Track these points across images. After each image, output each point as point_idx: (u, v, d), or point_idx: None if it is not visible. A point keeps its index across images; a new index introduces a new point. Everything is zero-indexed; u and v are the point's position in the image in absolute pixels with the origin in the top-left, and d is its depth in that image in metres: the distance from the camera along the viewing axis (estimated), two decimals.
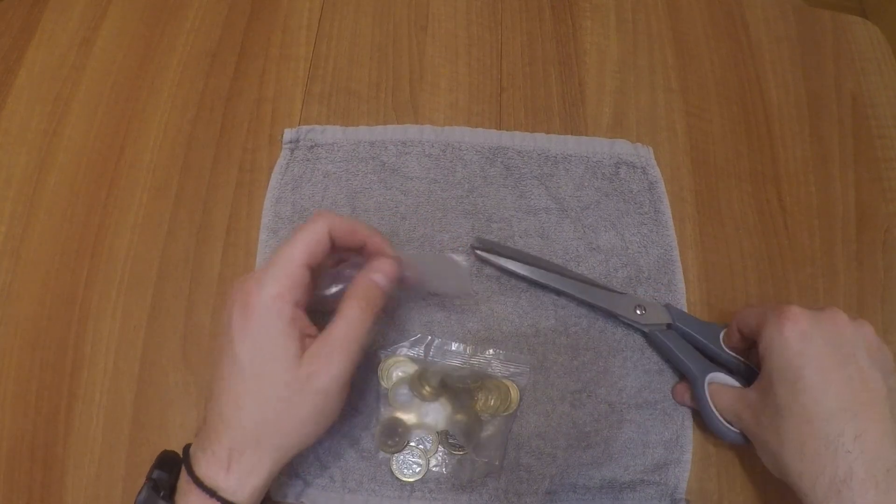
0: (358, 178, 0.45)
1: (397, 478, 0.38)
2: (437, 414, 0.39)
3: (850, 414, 0.30)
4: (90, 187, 0.46)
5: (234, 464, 0.30)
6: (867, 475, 0.29)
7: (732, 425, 0.37)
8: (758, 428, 0.34)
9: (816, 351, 0.32)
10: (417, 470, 0.38)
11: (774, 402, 0.33)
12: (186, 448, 0.33)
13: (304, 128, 0.47)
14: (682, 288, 0.43)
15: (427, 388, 0.39)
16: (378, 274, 0.34)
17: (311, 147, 0.46)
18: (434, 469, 0.38)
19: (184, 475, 0.31)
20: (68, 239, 0.44)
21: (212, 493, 0.30)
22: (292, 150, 0.46)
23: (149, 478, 0.32)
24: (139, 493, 0.31)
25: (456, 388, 0.39)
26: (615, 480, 0.38)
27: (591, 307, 0.42)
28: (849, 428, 0.30)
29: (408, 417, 0.39)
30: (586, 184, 0.46)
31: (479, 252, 0.42)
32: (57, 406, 0.40)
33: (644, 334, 0.41)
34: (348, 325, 0.32)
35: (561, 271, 0.42)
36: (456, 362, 0.40)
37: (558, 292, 0.42)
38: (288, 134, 0.46)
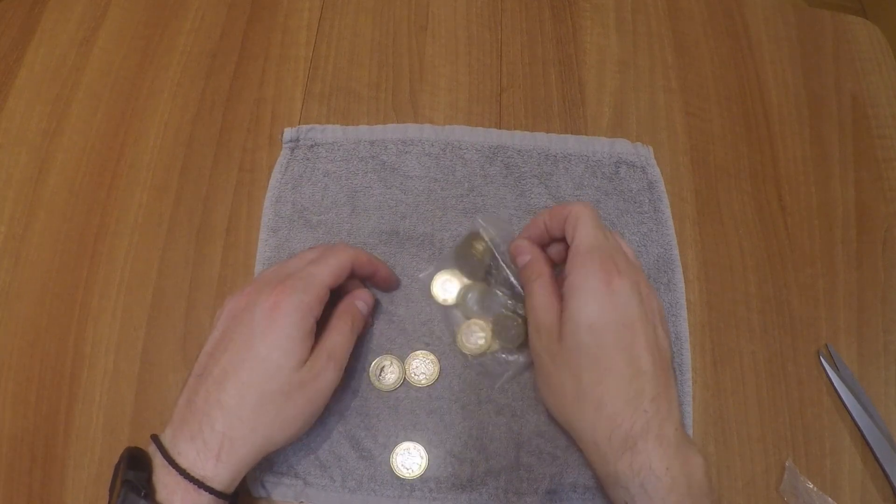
0: (358, 177, 0.45)
1: (397, 476, 0.38)
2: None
3: (649, 376, 0.32)
4: (90, 187, 0.46)
5: (225, 453, 0.31)
6: (661, 431, 0.31)
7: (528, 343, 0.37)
8: (553, 364, 0.34)
9: (626, 310, 0.33)
10: (416, 469, 0.38)
11: (578, 350, 0.33)
12: (156, 438, 0.32)
13: (304, 127, 0.47)
14: (682, 287, 0.43)
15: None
16: (360, 301, 0.39)
17: (312, 146, 0.46)
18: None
19: (160, 468, 0.30)
20: (68, 239, 0.44)
21: (200, 483, 0.30)
22: (292, 150, 0.46)
23: (124, 480, 0.30)
24: (118, 499, 0.29)
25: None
26: None
27: None
28: (648, 389, 0.32)
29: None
30: (586, 183, 0.46)
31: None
32: (57, 406, 0.40)
33: None
34: (342, 338, 0.36)
35: None
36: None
37: None
38: (288, 133, 0.46)
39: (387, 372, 0.40)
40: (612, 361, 0.32)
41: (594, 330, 0.33)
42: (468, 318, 0.41)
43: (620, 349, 0.32)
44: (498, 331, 0.40)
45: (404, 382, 0.40)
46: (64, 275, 0.43)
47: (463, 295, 0.42)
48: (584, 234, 0.35)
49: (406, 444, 0.39)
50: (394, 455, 0.38)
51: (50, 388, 0.40)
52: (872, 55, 0.54)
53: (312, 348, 0.35)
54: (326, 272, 0.36)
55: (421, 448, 0.38)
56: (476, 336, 0.41)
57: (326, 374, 0.34)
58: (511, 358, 0.40)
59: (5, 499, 0.38)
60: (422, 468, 0.38)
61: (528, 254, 0.38)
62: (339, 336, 0.36)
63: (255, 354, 0.32)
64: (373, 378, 0.40)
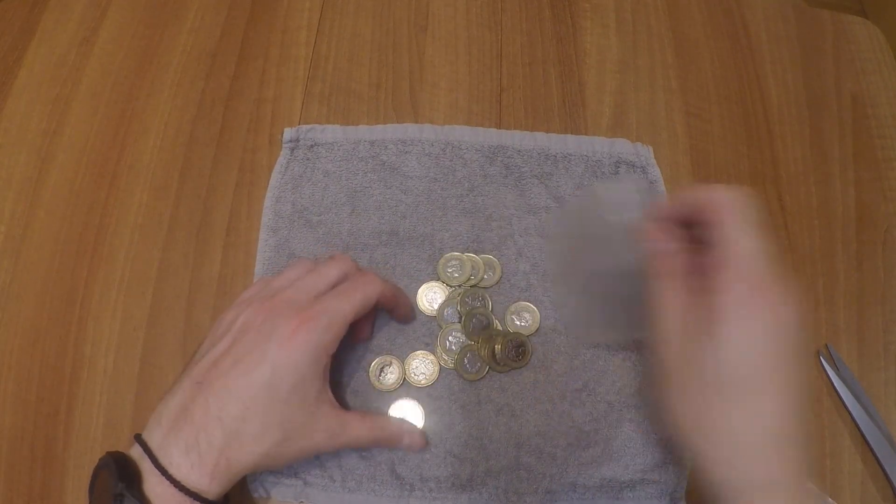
0: (358, 177, 0.45)
1: (410, 384, 0.40)
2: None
3: (795, 416, 0.28)
4: (90, 187, 0.46)
5: (221, 470, 0.30)
6: (798, 478, 0.28)
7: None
8: (675, 379, 0.30)
9: (794, 349, 0.29)
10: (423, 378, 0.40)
11: (718, 381, 0.29)
12: (144, 442, 0.30)
13: (304, 127, 0.47)
14: None
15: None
16: (408, 439, 0.37)
17: (311, 146, 0.46)
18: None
19: (151, 476, 0.29)
20: (68, 239, 0.44)
21: (196, 496, 0.29)
22: (292, 150, 0.46)
23: (115, 494, 0.28)
24: None
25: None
26: (615, 479, 0.38)
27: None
28: (795, 430, 0.28)
29: None
30: (586, 183, 0.46)
31: None
32: (57, 406, 0.40)
33: None
34: (361, 437, 0.36)
35: None
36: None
37: None
38: (288, 133, 0.46)
39: (387, 372, 0.40)
40: (760, 402, 0.28)
41: (749, 366, 0.28)
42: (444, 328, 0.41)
43: (774, 390, 0.28)
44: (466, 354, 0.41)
45: (404, 382, 0.40)
46: (64, 275, 0.43)
47: (441, 309, 0.42)
48: (743, 237, 0.29)
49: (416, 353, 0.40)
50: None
51: (50, 388, 0.40)
52: (872, 55, 0.54)
53: (328, 386, 0.34)
54: (350, 309, 0.35)
55: (428, 356, 0.40)
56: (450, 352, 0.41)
57: (324, 441, 0.34)
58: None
59: (5, 499, 0.38)
60: (430, 379, 0.40)
61: (661, 242, 0.32)
62: (362, 432, 0.35)
63: (262, 380, 0.31)
64: (373, 378, 0.40)
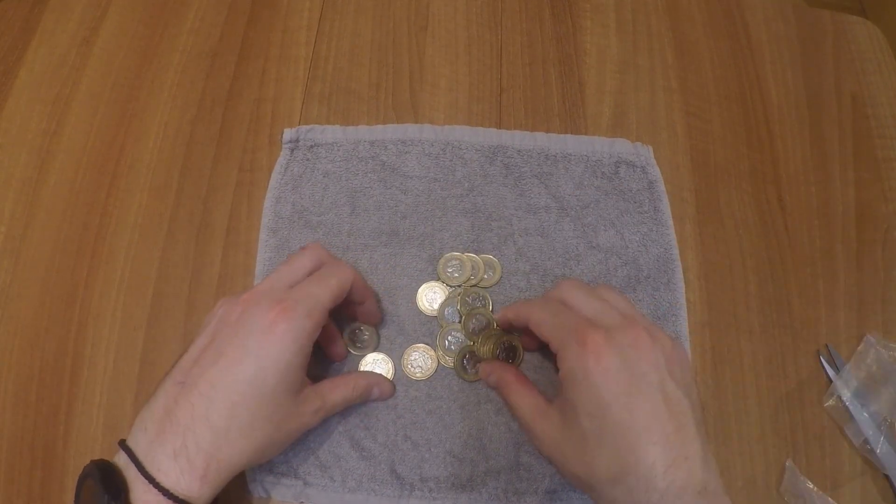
0: (358, 178, 0.45)
1: (407, 376, 0.40)
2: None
3: (659, 446, 0.29)
4: (90, 187, 0.46)
5: (212, 472, 0.30)
6: (678, 501, 0.28)
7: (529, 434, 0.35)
8: (561, 453, 0.32)
9: (621, 382, 0.30)
10: (420, 372, 0.40)
11: (581, 432, 0.31)
12: (130, 450, 0.30)
13: (304, 127, 0.47)
14: (682, 287, 0.43)
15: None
16: (377, 390, 0.39)
17: (311, 146, 0.46)
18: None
19: (138, 485, 0.29)
20: (68, 239, 0.44)
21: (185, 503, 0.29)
22: (292, 150, 0.46)
23: None
24: None
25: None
26: None
27: None
28: (660, 459, 0.29)
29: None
30: (586, 183, 0.46)
31: None
32: (57, 406, 0.40)
33: None
34: (339, 401, 0.36)
35: None
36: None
37: None
38: (288, 133, 0.46)
39: (360, 336, 0.41)
40: (617, 443, 0.30)
41: (592, 416, 0.30)
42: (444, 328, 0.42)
43: (622, 430, 0.29)
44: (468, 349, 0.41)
45: (379, 343, 0.41)
46: (64, 275, 0.43)
47: (441, 309, 0.42)
48: (552, 329, 0.34)
49: (417, 346, 0.41)
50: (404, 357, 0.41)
51: (50, 388, 0.40)
52: (872, 55, 0.54)
53: (306, 368, 0.34)
54: (328, 295, 0.34)
55: (429, 351, 0.41)
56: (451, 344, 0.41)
57: (310, 419, 0.34)
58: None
59: (5, 499, 0.38)
60: (426, 373, 0.40)
61: (492, 373, 0.38)
62: (339, 397, 0.36)
63: (247, 375, 0.31)
64: (348, 344, 0.41)
